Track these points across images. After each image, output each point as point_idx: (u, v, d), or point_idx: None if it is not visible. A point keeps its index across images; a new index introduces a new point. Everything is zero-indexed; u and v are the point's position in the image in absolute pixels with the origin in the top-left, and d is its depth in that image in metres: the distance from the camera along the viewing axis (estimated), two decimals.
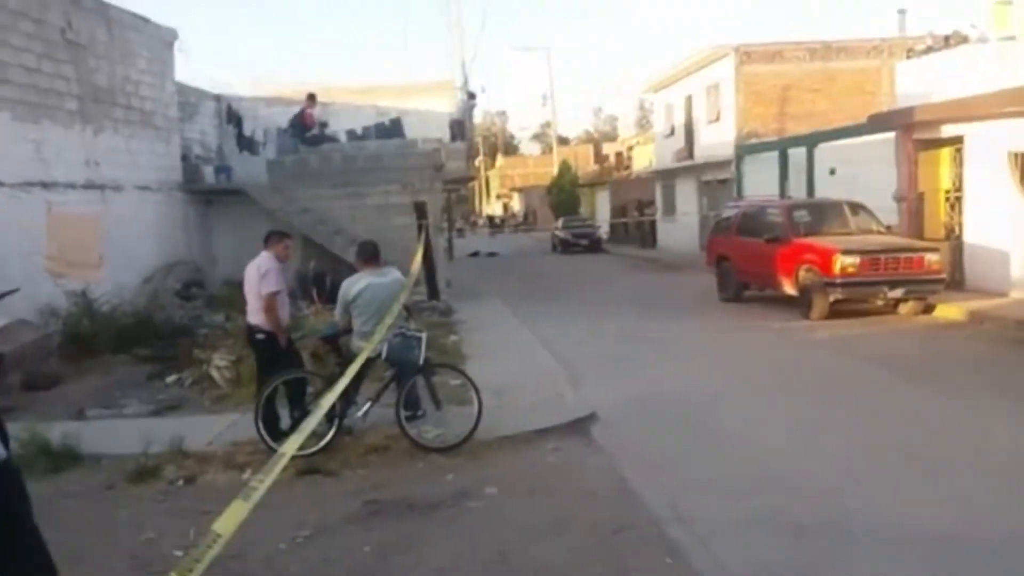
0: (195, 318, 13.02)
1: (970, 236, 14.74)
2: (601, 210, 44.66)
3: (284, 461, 3.88)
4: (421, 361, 7.20)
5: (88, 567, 5.00)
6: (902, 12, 20.02)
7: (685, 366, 10.48)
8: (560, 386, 9.19)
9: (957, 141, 14.99)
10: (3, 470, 3.15)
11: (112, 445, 7.30)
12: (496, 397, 8.31)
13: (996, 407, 7.86)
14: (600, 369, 10.28)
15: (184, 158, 17.89)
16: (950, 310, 13.18)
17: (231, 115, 21.48)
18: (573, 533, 5.25)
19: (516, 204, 75.11)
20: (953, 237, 15.21)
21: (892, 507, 5.46)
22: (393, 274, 7.68)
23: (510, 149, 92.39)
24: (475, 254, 36.41)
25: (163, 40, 16.97)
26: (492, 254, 36.90)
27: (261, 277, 7.23)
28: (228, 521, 3.28)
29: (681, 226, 30.27)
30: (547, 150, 72.08)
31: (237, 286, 9.50)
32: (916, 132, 15.68)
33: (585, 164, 59.08)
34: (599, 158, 62.51)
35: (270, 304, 7.27)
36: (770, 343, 12.08)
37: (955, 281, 14.55)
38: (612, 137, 74.37)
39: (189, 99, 19.74)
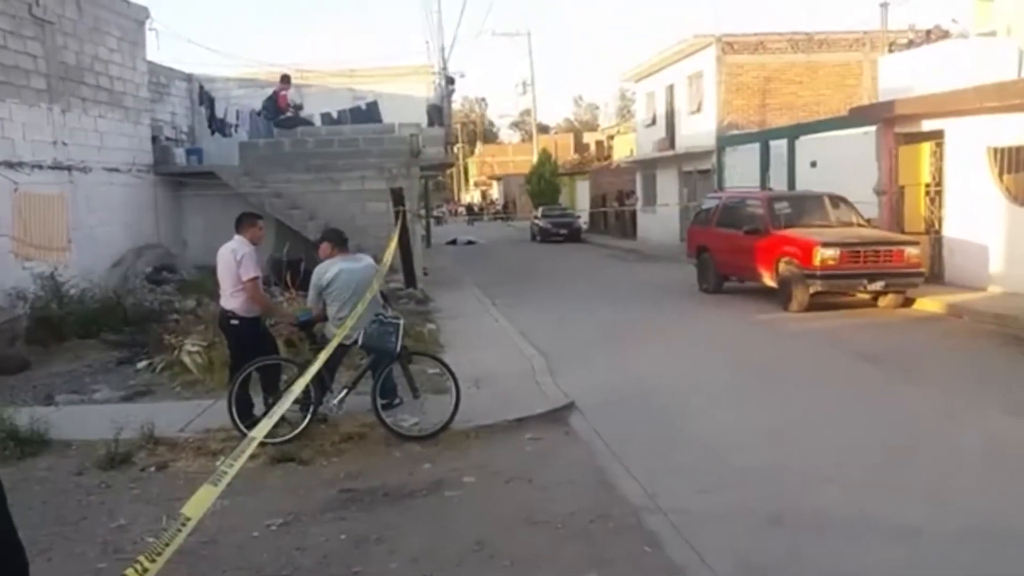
0: (166, 303, 12.77)
1: (949, 230, 14.81)
2: (581, 200, 44.60)
3: (254, 445, 3.79)
4: (398, 349, 7.10)
5: (58, 553, 4.92)
6: (884, 5, 20.01)
7: (664, 357, 10.43)
8: (538, 375, 9.11)
9: (937, 136, 15.04)
10: None
11: (82, 431, 7.16)
12: (474, 386, 8.25)
13: (972, 400, 7.87)
14: (579, 359, 10.21)
15: (154, 139, 17.54)
16: (929, 303, 13.23)
17: (203, 96, 21.09)
18: (551, 522, 5.20)
19: (495, 192, 74.96)
20: (933, 231, 15.27)
21: (868, 498, 5.47)
22: (366, 260, 7.60)
23: (489, 136, 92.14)
24: (453, 242, 36.26)
25: (134, 19, 16.61)
26: (470, 242, 36.75)
27: (237, 263, 7.08)
28: (197, 505, 3.24)
29: (661, 217, 30.25)
30: (527, 138, 71.90)
31: (209, 271, 9.34)
32: (897, 126, 15.72)
33: (565, 153, 59.06)
34: (579, 147, 62.54)
35: (254, 290, 7.16)
36: (749, 335, 12.06)
37: (934, 275, 14.63)
38: (593, 126, 74.47)
39: (160, 79, 19.38)
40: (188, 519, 3.09)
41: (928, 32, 17.34)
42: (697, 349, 11.01)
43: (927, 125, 15.13)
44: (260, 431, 3.97)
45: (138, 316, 12.05)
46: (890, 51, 18.40)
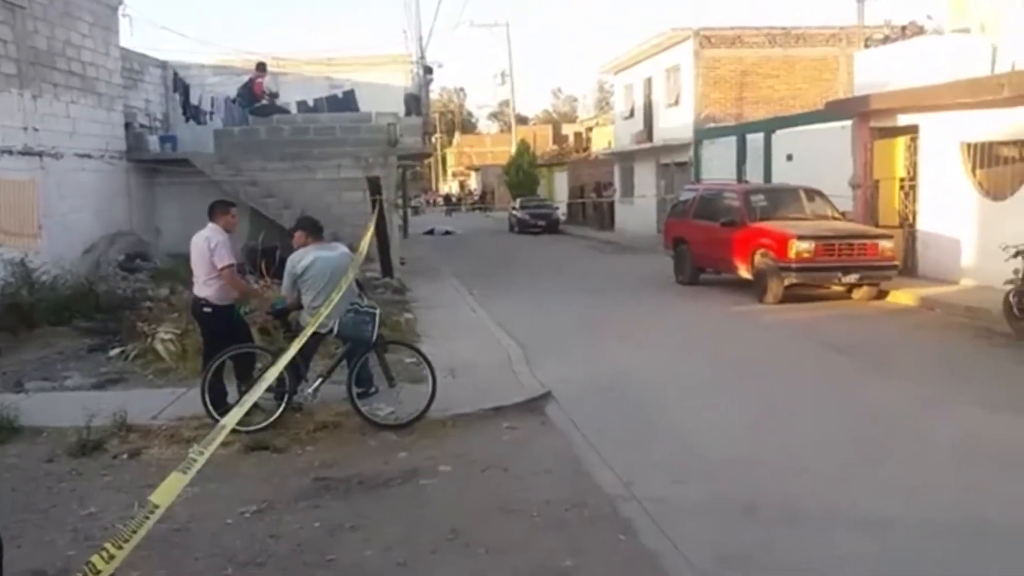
0: (139, 290, 12.61)
1: (923, 224, 14.95)
2: (559, 191, 44.61)
3: (225, 433, 3.74)
4: (374, 337, 7.06)
5: (27, 541, 4.87)
6: (860, 1, 20.08)
7: (641, 348, 10.45)
8: (515, 365, 9.11)
9: (912, 130, 15.16)
10: None
11: (53, 418, 7.08)
12: (450, 375, 8.22)
13: (944, 393, 7.96)
14: (555, 349, 10.21)
15: (128, 126, 17.32)
16: (902, 296, 13.37)
17: (177, 83, 20.83)
18: (526, 511, 5.20)
19: (473, 183, 74.80)
20: (906, 225, 15.41)
21: (841, 491, 5.51)
22: (341, 248, 7.58)
23: (468, 127, 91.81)
24: (430, 232, 36.17)
25: (107, 4, 16.39)
26: (448, 232, 36.67)
27: (211, 251, 7.01)
28: (165, 492, 3.22)
29: (639, 208, 30.32)
30: (505, 129, 71.79)
31: (182, 258, 9.23)
32: (872, 120, 15.83)
33: (544, 144, 59.00)
34: (558, 138, 62.50)
35: (230, 277, 7.12)
36: (725, 327, 12.13)
37: (908, 268, 14.77)
38: (571, 118, 74.39)
39: (134, 66, 19.15)
40: (156, 506, 3.06)
41: (903, 28, 17.44)
42: (673, 340, 11.04)
43: (902, 120, 15.25)
44: (231, 419, 3.93)
45: (110, 303, 11.89)
46: (866, 46, 18.50)
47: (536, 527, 4.98)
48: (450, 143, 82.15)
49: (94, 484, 5.82)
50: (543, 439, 6.80)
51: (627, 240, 27.83)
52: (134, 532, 2.91)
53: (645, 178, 30.77)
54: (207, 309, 7.16)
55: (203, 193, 13.68)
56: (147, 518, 2.98)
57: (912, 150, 15.36)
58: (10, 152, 12.72)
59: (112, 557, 2.76)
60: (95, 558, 2.74)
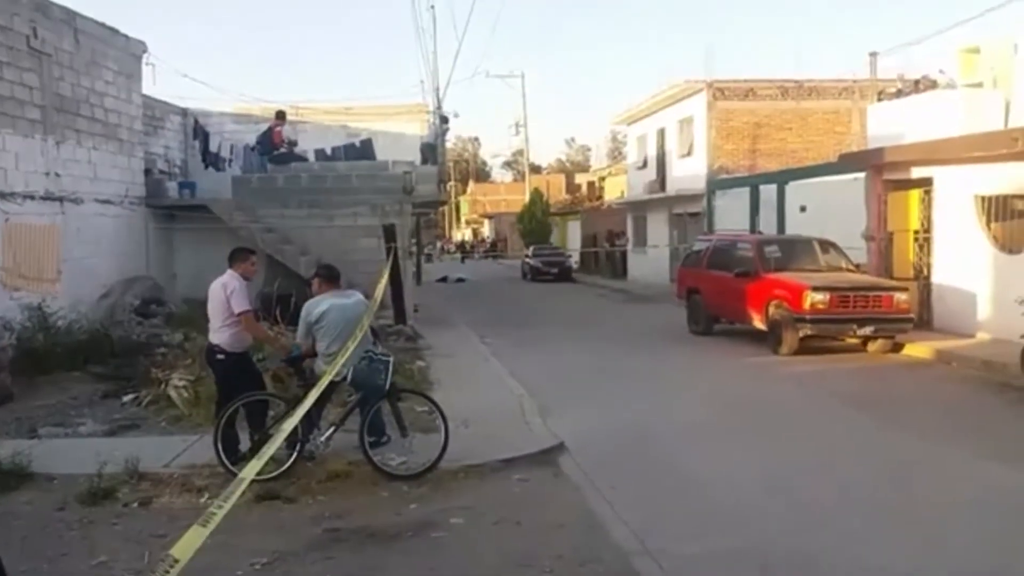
0: (154, 336, 12.67)
1: (938, 277, 14.89)
2: (572, 239, 44.78)
3: (244, 486, 3.72)
4: (387, 386, 7.05)
5: None
6: (873, 55, 20.26)
7: (655, 398, 10.38)
8: (528, 415, 9.06)
9: (926, 183, 15.19)
10: None
11: (65, 465, 7.06)
12: (463, 425, 8.17)
13: (963, 447, 7.85)
14: (569, 399, 10.15)
15: (147, 172, 17.54)
16: (918, 349, 13.26)
17: (197, 130, 21.18)
18: (539, 566, 5.12)
19: (486, 230, 75.18)
20: (921, 277, 15.35)
21: (859, 547, 5.42)
22: (356, 296, 7.57)
23: (482, 175, 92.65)
24: (444, 279, 36.26)
25: (131, 52, 16.70)
26: (461, 280, 36.75)
27: (228, 297, 7.04)
28: (186, 546, 3.22)
29: (652, 258, 30.36)
30: (519, 177, 72.34)
31: (198, 304, 9.28)
32: (886, 173, 15.87)
33: (557, 193, 59.43)
34: (571, 187, 62.93)
35: (249, 323, 7.17)
36: (739, 378, 12.04)
37: (923, 321, 14.66)
38: (584, 167, 74.93)
39: (155, 112, 19.44)
40: (176, 560, 3.04)
41: (916, 82, 17.57)
42: (688, 391, 10.97)
43: (916, 172, 15.28)
44: (249, 471, 3.92)
45: (125, 349, 11.94)
46: (879, 99, 18.63)
47: None
48: (464, 191, 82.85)
49: (105, 533, 5.78)
50: (556, 491, 6.72)
51: (639, 289, 27.82)
52: None
53: (658, 228, 30.86)
54: (220, 356, 7.16)
55: (220, 239, 13.83)
56: (167, 572, 2.95)
57: (926, 203, 15.36)
58: (32, 197, 12.89)
59: None
60: None
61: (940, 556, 5.21)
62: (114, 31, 15.91)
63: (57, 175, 13.67)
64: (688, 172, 27.46)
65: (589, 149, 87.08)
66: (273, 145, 18.10)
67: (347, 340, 6.67)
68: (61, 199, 13.76)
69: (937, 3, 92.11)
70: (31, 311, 11.97)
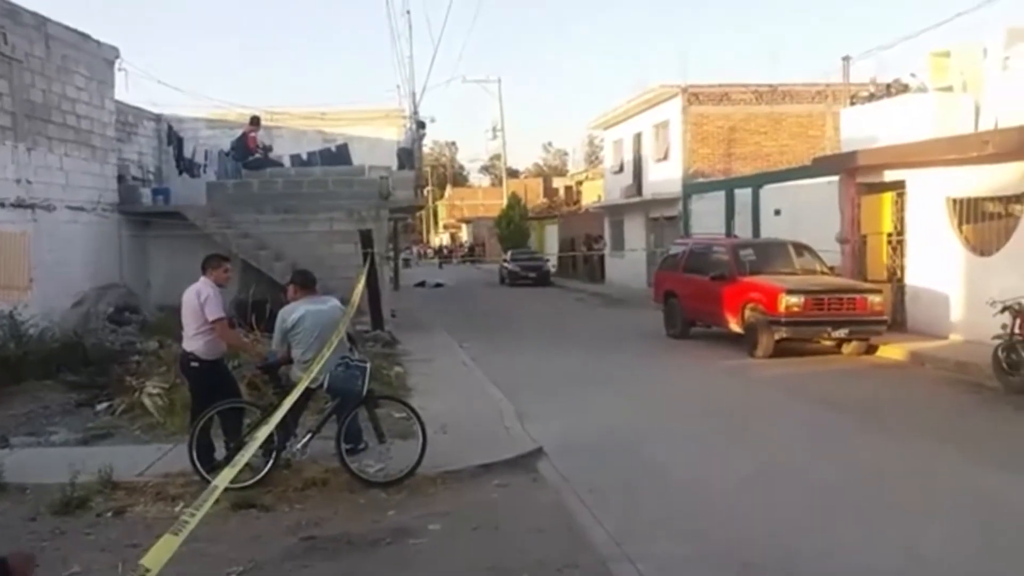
0: (128, 344, 12.53)
1: (911, 279, 15.06)
2: (550, 243, 44.87)
3: (217, 494, 3.69)
4: (364, 392, 7.00)
5: None
6: (846, 59, 20.52)
7: (632, 402, 10.41)
8: (506, 420, 9.04)
9: (899, 186, 15.36)
10: None
11: (38, 474, 6.95)
12: (441, 431, 8.14)
13: (938, 449, 7.94)
14: (547, 404, 10.14)
15: (120, 178, 17.36)
16: (892, 351, 13.39)
17: (171, 136, 21.00)
18: (518, 571, 5.11)
19: (464, 235, 75.11)
20: (895, 280, 15.52)
21: (837, 548, 5.45)
22: (332, 302, 7.51)
23: (459, 180, 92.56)
24: (422, 284, 36.20)
25: (103, 58, 16.53)
26: (438, 285, 36.71)
27: (201, 304, 6.98)
28: (157, 555, 3.16)
29: (629, 261, 30.49)
30: (496, 182, 72.41)
31: (172, 311, 9.18)
32: (859, 176, 16.04)
33: (535, 197, 59.48)
34: (548, 192, 62.98)
35: (223, 330, 7.11)
36: (717, 381, 12.11)
37: (897, 323, 14.81)
38: (562, 171, 75.04)
39: (128, 118, 19.26)
40: (148, 570, 3.00)
41: (888, 86, 17.78)
42: (665, 395, 11.00)
43: (889, 175, 15.46)
44: (223, 479, 3.88)
45: (99, 357, 11.79)
46: (852, 103, 18.84)
47: None
48: (442, 196, 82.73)
49: (78, 543, 5.69)
50: (534, 496, 6.71)
51: (617, 292, 27.91)
52: None
53: (635, 231, 31.00)
54: (194, 363, 7.10)
55: (194, 246, 13.70)
56: None
57: (899, 205, 15.54)
58: (3, 204, 12.73)
59: None
60: None
61: (919, 555, 5.24)
62: (86, 36, 15.74)
63: (28, 182, 13.50)
64: (664, 176, 27.61)
65: (566, 153, 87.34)
66: (248, 151, 17.99)
67: (323, 347, 6.63)
68: (33, 206, 13.59)
69: (909, 7, 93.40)
70: (2, 319, 11.79)
